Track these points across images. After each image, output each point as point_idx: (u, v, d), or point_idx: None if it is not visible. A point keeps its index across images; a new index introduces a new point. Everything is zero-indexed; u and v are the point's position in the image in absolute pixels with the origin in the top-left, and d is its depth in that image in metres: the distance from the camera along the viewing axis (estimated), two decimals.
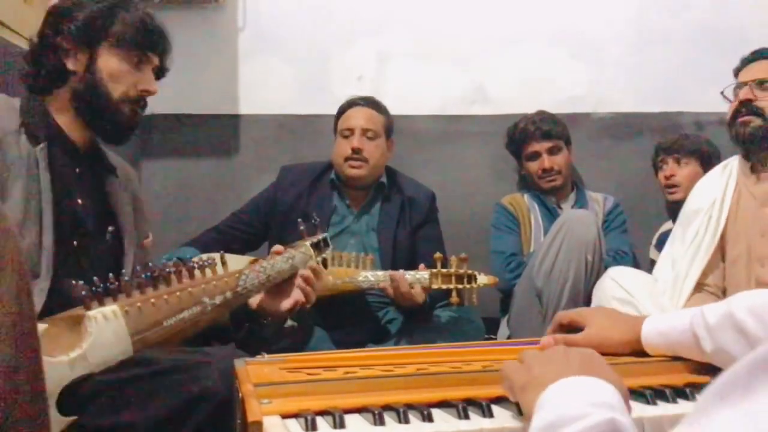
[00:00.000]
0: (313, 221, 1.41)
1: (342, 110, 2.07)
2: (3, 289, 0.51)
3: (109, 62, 1.22)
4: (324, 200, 2.01)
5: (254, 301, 1.24)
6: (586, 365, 0.61)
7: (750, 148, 1.62)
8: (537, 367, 0.63)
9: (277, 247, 1.30)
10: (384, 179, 2.04)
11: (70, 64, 1.21)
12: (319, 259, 1.34)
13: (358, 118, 2.01)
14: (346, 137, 2.00)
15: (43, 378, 0.57)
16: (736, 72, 1.69)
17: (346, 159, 1.97)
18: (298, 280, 1.26)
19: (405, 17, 2.56)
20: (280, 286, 1.25)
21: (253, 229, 2.03)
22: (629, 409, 0.57)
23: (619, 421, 0.50)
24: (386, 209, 2.01)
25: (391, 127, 2.08)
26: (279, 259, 1.24)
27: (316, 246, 1.34)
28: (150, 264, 1.06)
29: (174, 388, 0.93)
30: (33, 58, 1.22)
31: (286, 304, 1.25)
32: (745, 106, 1.59)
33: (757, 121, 1.57)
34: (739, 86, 1.64)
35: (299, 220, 1.39)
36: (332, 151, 2.06)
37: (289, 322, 1.28)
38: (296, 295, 1.25)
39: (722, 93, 1.68)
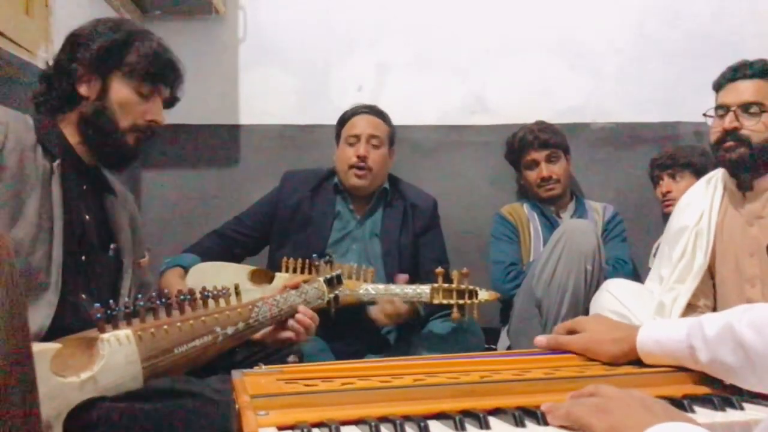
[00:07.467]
0: (328, 258, 1.46)
1: (346, 117, 2.07)
2: None
3: (120, 92, 1.24)
4: (326, 206, 2.01)
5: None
6: (669, 412, 0.61)
7: (735, 173, 1.57)
8: (618, 413, 0.62)
9: (293, 281, 1.34)
10: (386, 185, 2.05)
11: (83, 90, 1.23)
12: (332, 295, 1.38)
13: (365, 125, 2.01)
14: (351, 144, 2.00)
15: (35, 385, 0.57)
16: (717, 87, 1.61)
17: (351, 167, 1.97)
18: (292, 322, 1.28)
19: (404, 27, 2.57)
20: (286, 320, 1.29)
21: (255, 233, 2.03)
22: None
23: None
24: (389, 215, 2.01)
25: (393, 136, 2.09)
26: (293, 293, 1.27)
27: (329, 282, 1.38)
28: (149, 281, 1.07)
29: (185, 425, 0.93)
30: (46, 80, 1.24)
31: (284, 335, 1.28)
32: (730, 134, 1.53)
33: (741, 149, 1.51)
34: (722, 108, 1.57)
35: (314, 255, 1.43)
36: (334, 159, 2.06)
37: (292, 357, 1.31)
38: (289, 335, 1.29)
39: (705, 114, 1.62)
